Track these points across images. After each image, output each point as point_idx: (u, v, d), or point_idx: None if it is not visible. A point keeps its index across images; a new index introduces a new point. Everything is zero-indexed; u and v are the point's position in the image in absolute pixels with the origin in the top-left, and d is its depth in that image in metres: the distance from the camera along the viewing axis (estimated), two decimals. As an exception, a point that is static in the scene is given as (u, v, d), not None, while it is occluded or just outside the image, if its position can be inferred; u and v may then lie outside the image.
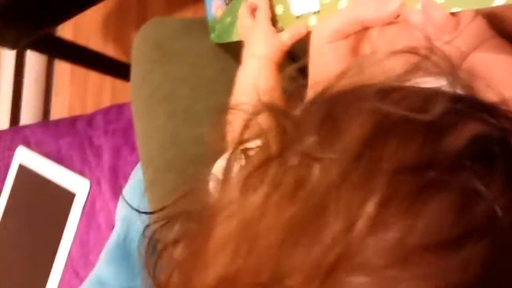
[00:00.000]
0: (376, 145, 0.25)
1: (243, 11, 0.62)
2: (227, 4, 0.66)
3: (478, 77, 0.46)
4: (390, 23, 0.48)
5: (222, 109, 0.59)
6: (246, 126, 0.30)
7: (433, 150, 0.25)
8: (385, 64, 0.32)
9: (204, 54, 0.71)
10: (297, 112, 0.29)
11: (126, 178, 0.83)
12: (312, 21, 0.56)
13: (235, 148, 0.29)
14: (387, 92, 0.27)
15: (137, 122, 0.73)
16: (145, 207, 0.70)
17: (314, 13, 0.56)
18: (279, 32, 0.59)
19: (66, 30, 1.51)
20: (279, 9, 0.59)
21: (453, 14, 0.46)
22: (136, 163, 0.80)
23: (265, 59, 0.57)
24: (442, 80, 0.33)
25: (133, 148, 0.86)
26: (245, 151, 0.29)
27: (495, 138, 0.26)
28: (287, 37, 0.58)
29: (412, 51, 0.31)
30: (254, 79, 0.57)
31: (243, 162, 0.29)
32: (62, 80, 1.60)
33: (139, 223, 0.72)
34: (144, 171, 0.71)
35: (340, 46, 0.49)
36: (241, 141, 0.30)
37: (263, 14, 0.59)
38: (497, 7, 0.43)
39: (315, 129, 0.26)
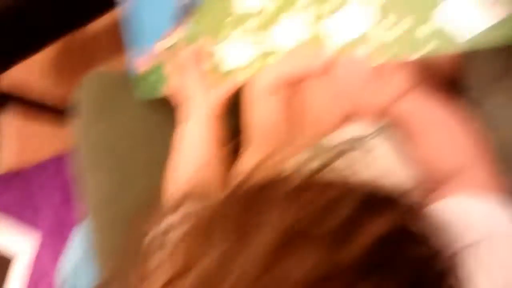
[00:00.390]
0: (279, 260, 0.25)
1: (172, 71, 0.62)
2: (152, 61, 0.66)
3: (405, 126, 0.47)
4: (322, 74, 0.49)
5: (160, 163, 0.59)
6: (165, 218, 0.30)
7: (332, 262, 0.25)
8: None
9: (141, 107, 0.71)
10: (214, 209, 0.29)
11: (70, 234, 0.80)
12: (242, 75, 0.57)
13: (156, 239, 0.29)
14: (297, 193, 0.27)
15: (80, 176, 0.71)
16: (89, 265, 0.68)
17: (242, 68, 0.56)
18: (213, 87, 0.59)
19: (8, 78, 1.48)
20: (207, 65, 0.60)
21: (382, 63, 0.47)
22: (81, 219, 0.78)
23: (205, 116, 0.57)
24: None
25: (77, 203, 0.84)
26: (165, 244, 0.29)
27: (395, 241, 0.26)
28: (223, 92, 0.58)
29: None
30: (196, 139, 0.56)
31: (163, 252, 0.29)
32: (6, 132, 1.56)
33: (83, 281, 0.70)
34: (88, 227, 0.69)
35: (278, 96, 0.50)
36: (163, 232, 0.30)
37: (195, 72, 0.59)
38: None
39: (222, 243, 0.26)
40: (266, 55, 0.54)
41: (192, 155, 0.56)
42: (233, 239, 0.26)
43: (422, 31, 0.44)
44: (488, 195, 0.41)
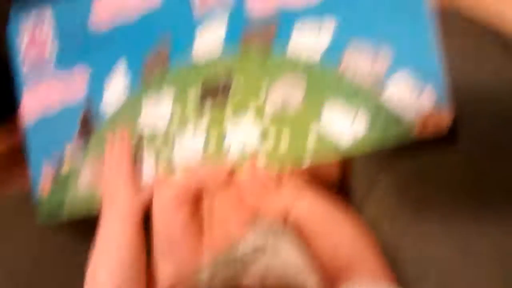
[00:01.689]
0: None
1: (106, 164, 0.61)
2: (54, 183, 0.65)
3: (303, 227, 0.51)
4: (224, 184, 0.53)
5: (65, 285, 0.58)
6: None
7: None
8: None
9: (42, 231, 0.68)
10: None
11: None
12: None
13: None
14: None
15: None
16: None
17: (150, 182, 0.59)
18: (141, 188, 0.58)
19: None
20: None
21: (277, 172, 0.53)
22: None
23: (129, 218, 0.56)
24: None
25: None
26: None
27: None
28: (142, 198, 0.57)
29: None
30: (116, 241, 0.55)
31: None
32: None
33: None
34: None
35: (183, 208, 0.53)
36: None
37: (125, 170, 0.58)
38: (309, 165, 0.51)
39: None
40: (171, 169, 0.58)
41: (113, 255, 0.54)
42: None
43: (309, 141, 0.50)
44: (379, 284, 0.46)
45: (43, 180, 0.66)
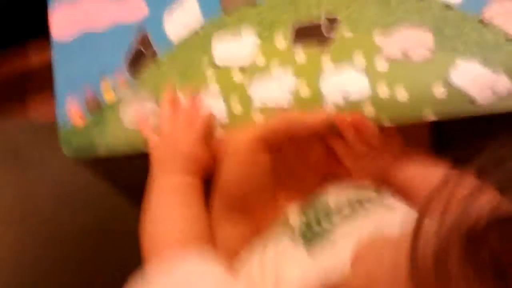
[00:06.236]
0: None
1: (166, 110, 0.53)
2: (91, 113, 0.57)
3: None
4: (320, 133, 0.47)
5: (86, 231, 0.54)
6: None
7: None
8: None
9: (67, 166, 0.60)
10: None
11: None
12: (221, 132, 0.52)
13: None
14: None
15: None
16: None
17: (222, 125, 0.52)
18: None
19: None
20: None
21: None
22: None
23: (195, 175, 0.50)
24: None
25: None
26: None
27: None
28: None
29: None
30: (179, 198, 0.49)
31: None
32: None
33: None
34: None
35: (263, 155, 0.47)
36: None
37: (197, 129, 0.51)
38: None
39: None
40: (251, 111, 0.50)
41: (176, 211, 0.48)
42: None
43: (435, 91, 0.44)
44: None
45: (72, 109, 0.57)
